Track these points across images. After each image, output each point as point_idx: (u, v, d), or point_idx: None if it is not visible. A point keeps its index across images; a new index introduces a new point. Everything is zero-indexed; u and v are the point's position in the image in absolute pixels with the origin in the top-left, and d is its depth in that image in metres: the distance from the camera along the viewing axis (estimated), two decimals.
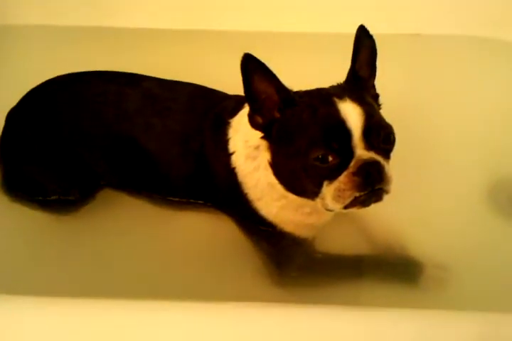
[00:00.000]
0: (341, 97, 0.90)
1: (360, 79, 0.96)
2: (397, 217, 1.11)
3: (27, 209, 1.20)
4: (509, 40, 1.54)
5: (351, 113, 0.88)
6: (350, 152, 0.88)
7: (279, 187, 0.97)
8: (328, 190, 0.90)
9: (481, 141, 1.35)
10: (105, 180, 1.20)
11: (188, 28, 1.57)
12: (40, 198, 1.20)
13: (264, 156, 0.97)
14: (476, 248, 1.15)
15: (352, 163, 0.88)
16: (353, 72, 0.96)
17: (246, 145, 1.00)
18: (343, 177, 0.88)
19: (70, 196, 1.19)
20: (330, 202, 0.90)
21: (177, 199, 1.16)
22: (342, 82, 0.98)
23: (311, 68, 1.46)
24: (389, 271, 1.11)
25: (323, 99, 0.90)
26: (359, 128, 0.87)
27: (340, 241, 1.16)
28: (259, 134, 0.96)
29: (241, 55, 0.87)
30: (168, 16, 1.60)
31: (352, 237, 1.17)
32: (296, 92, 0.94)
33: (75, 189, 1.19)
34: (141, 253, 1.15)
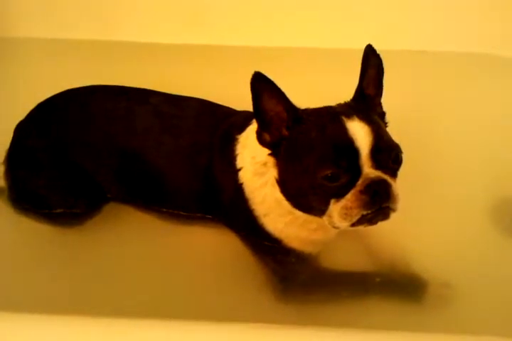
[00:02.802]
0: (349, 116, 0.93)
1: (367, 97, 1.00)
2: (402, 234, 1.14)
3: (32, 222, 1.24)
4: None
5: (359, 132, 0.91)
6: (358, 170, 0.91)
7: (286, 204, 1.01)
8: (335, 207, 0.93)
9: (486, 158, 1.39)
10: (112, 194, 1.23)
11: (193, 42, 1.63)
12: (46, 211, 1.23)
13: (272, 173, 1.01)
14: (480, 267, 1.18)
15: (359, 182, 0.91)
16: (360, 90, 0.99)
17: (253, 161, 1.03)
18: (350, 196, 0.91)
19: (76, 209, 1.23)
20: (337, 220, 0.93)
21: (183, 213, 1.19)
22: (349, 99, 1.01)
23: (316, 83, 1.50)
24: (393, 288, 1.13)
25: (331, 118, 0.94)
26: (367, 147, 0.90)
27: (344, 258, 1.18)
28: (266, 151, 0.99)
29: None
30: (174, 31, 1.66)
31: (356, 254, 1.20)
32: (304, 110, 0.98)
33: (81, 202, 1.22)
34: (145, 267, 1.18)
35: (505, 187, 1.32)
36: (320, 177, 0.91)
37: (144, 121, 1.14)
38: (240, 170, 1.05)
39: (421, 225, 1.20)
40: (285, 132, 0.95)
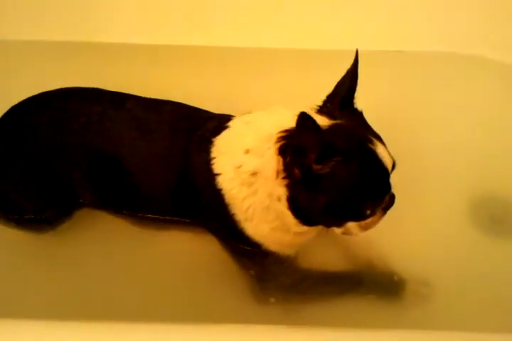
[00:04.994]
0: (370, 140, 0.97)
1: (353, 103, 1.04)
2: (379, 233, 1.14)
3: (2, 227, 1.23)
4: (489, 56, 1.62)
5: (386, 157, 0.97)
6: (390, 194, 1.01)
7: (280, 212, 1.02)
8: (357, 223, 1.01)
9: (463, 158, 1.42)
10: (85, 199, 1.23)
11: (178, 43, 1.62)
12: (16, 216, 1.22)
13: (262, 182, 1.01)
14: (458, 264, 1.21)
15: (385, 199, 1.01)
16: (350, 99, 1.03)
17: (239, 170, 1.03)
18: (377, 215, 1.01)
19: (47, 215, 1.22)
20: (356, 231, 1.02)
21: (160, 217, 1.20)
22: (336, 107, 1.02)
23: (294, 83, 1.52)
24: (371, 287, 1.17)
25: (360, 149, 0.96)
26: (390, 168, 0.98)
27: (322, 259, 1.21)
28: (252, 160, 1.00)
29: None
30: (158, 32, 1.65)
31: (334, 254, 1.23)
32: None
33: (52, 208, 1.22)
34: (121, 273, 1.19)
35: (483, 186, 1.36)
36: (366, 212, 0.98)
37: (118, 125, 1.14)
38: (217, 175, 1.05)
39: (399, 224, 1.21)
40: (317, 167, 0.93)
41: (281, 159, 0.97)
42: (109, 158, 1.14)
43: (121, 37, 1.63)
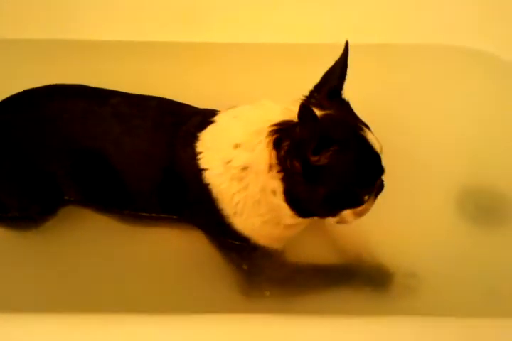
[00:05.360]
0: (361, 128, 0.99)
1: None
2: (366, 226, 1.15)
3: None
4: (477, 48, 1.63)
5: (376, 143, 0.99)
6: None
7: (275, 205, 1.02)
8: (352, 210, 1.02)
9: (450, 149, 1.44)
10: (70, 196, 1.22)
11: (170, 40, 1.62)
12: None
13: (257, 178, 1.01)
14: (444, 255, 1.22)
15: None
16: (338, 89, 1.04)
17: (228, 165, 1.02)
18: (370, 201, 1.03)
19: (31, 213, 1.21)
20: (350, 219, 1.04)
21: (146, 214, 1.19)
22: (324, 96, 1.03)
23: (284, 77, 1.52)
24: (359, 280, 1.17)
25: (354, 137, 0.98)
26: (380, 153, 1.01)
27: (310, 251, 1.21)
28: (242, 154, 1.00)
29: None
30: (151, 29, 1.64)
31: (322, 247, 1.23)
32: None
33: (35, 205, 1.21)
34: (109, 270, 1.18)
35: (469, 177, 1.37)
36: (363, 198, 1.00)
37: (102, 121, 1.13)
38: (204, 170, 1.05)
39: (386, 216, 1.22)
40: (314, 158, 0.94)
41: (273, 153, 0.97)
42: (93, 154, 1.13)
43: (114, 34, 1.62)
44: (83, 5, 1.63)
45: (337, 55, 1.03)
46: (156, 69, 1.55)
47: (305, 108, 0.87)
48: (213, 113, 1.11)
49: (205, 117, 1.10)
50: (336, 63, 1.03)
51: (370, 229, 1.21)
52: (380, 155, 1.00)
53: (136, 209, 1.19)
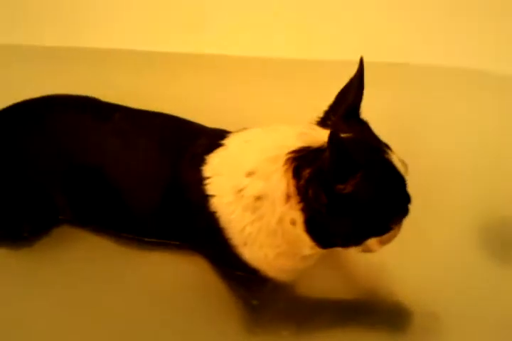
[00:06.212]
0: (384, 151, 0.94)
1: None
2: (384, 260, 1.11)
3: None
4: (497, 72, 1.59)
5: (401, 167, 0.94)
6: None
7: (294, 236, 0.96)
8: (377, 238, 0.97)
9: (472, 179, 1.37)
10: (65, 215, 1.15)
11: (175, 51, 1.59)
12: None
13: (273, 209, 0.95)
14: (467, 293, 1.15)
15: None
16: (357, 109, 0.99)
17: (239, 194, 0.97)
18: (396, 227, 0.97)
19: (22, 232, 1.15)
20: (375, 247, 0.98)
21: (146, 238, 1.13)
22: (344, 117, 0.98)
23: (295, 94, 1.49)
24: (374, 319, 1.10)
25: (380, 161, 0.93)
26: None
27: (322, 285, 1.14)
28: (256, 183, 0.95)
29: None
30: (154, 38, 1.61)
31: (336, 280, 1.16)
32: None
33: (27, 223, 1.15)
34: (102, 295, 1.11)
35: (493, 210, 1.31)
36: (391, 226, 0.95)
37: (103, 138, 1.09)
38: (211, 196, 0.99)
39: (404, 250, 1.14)
40: (340, 186, 0.88)
41: (292, 182, 0.92)
42: (91, 171, 1.08)
43: (117, 42, 1.60)
44: (82, 11, 1.61)
45: (352, 72, 0.98)
46: (158, 80, 1.52)
47: (335, 136, 0.82)
48: (222, 134, 1.05)
49: (213, 139, 1.05)
50: (351, 81, 0.99)
51: (388, 263, 1.14)
52: (406, 178, 0.95)
53: (135, 232, 1.13)
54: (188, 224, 1.05)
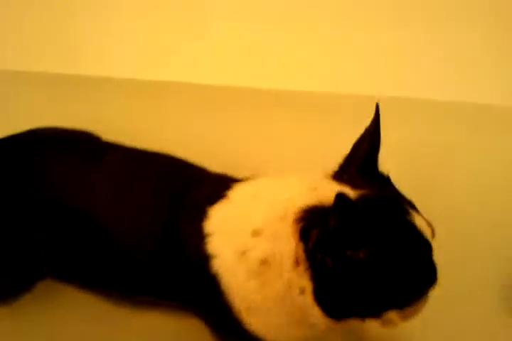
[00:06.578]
0: (407, 211, 0.83)
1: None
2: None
3: None
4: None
5: (426, 230, 0.83)
6: None
7: (302, 306, 0.85)
8: (398, 311, 0.84)
9: (495, 229, 1.25)
10: (48, 268, 1.04)
11: (177, 80, 1.50)
12: None
13: (280, 275, 0.84)
14: None
15: None
16: (375, 164, 0.90)
17: (243, 257, 0.86)
18: (423, 299, 0.85)
19: (1, 289, 1.05)
20: (396, 321, 0.85)
21: (139, 297, 1.04)
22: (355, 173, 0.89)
23: (315, 128, 1.41)
24: None
25: (401, 225, 0.82)
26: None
27: None
28: (261, 244, 0.84)
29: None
30: (149, 66, 1.54)
31: None
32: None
33: (6, 278, 1.04)
34: None
35: None
36: (416, 297, 0.83)
37: (94, 182, 0.99)
38: (212, 256, 0.88)
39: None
40: (351, 253, 0.78)
41: (300, 245, 0.81)
42: (79, 219, 0.98)
43: (116, 71, 1.52)
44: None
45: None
46: (159, 111, 1.44)
47: (342, 199, 0.72)
48: (226, 183, 0.95)
49: (216, 187, 0.94)
50: (366, 130, 0.90)
51: (404, 329, 0.99)
52: (431, 244, 0.83)
53: (126, 290, 1.02)
54: (185, 283, 0.94)
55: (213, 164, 1.05)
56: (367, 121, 0.89)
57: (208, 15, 1.56)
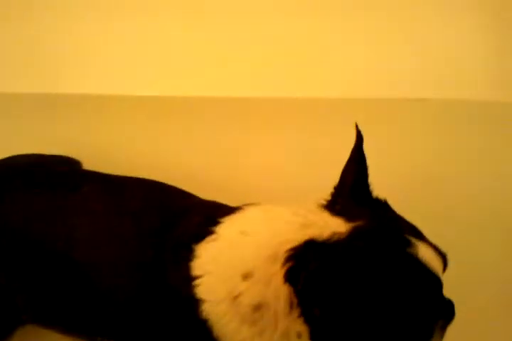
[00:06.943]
0: (407, 242, 0.75)
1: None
2: None
3: None
4: None
5: (433, 261, 0.76)
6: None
7: None
8: None
9: (494, 226, 1.23)
10: (27, 315, 0.97)
11: (171, 95, 1.43)
12: None
13: (275, 321, 0.78)
14: None
15: None
16: (365, 188, 0.85)
17: (235, 302, 0.79)
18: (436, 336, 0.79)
19: None
20: None
21: None
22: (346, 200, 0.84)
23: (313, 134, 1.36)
24: None
25: (398, 259, 0.75)
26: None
27: None
28: (253, 289, 0.78)
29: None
30: (135, 82, 1.47)
31: None
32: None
33: None
34: None
35: None
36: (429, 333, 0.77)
37: (70, 220, 0.92)
38: (201, 301, 0.81)
39: None
40: (340, 302, 0.73)
41: (291, 288, 0.74)
42: (54, 260, 0.91)
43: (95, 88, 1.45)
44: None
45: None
46: (152, 126, 1.38)
47: (311, 247, 0.72)
48: (214, 214, 0.87)
49: (203, 221, 0.87)
50: (351, 155, 0.85)
51: None
52: (441, 276, 0.76)
53: (109, 336, 0.95)
54: (173, 328, 0.87)
55: (203, 179, 1.04)
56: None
57: (191, 27, 1.49)
